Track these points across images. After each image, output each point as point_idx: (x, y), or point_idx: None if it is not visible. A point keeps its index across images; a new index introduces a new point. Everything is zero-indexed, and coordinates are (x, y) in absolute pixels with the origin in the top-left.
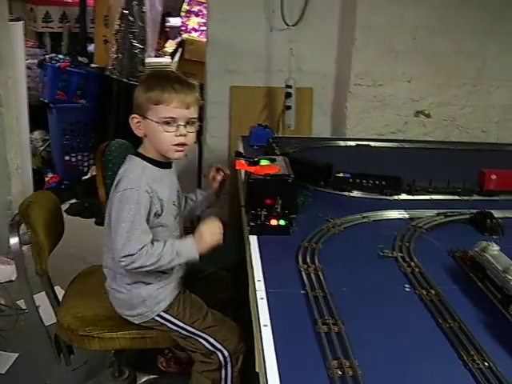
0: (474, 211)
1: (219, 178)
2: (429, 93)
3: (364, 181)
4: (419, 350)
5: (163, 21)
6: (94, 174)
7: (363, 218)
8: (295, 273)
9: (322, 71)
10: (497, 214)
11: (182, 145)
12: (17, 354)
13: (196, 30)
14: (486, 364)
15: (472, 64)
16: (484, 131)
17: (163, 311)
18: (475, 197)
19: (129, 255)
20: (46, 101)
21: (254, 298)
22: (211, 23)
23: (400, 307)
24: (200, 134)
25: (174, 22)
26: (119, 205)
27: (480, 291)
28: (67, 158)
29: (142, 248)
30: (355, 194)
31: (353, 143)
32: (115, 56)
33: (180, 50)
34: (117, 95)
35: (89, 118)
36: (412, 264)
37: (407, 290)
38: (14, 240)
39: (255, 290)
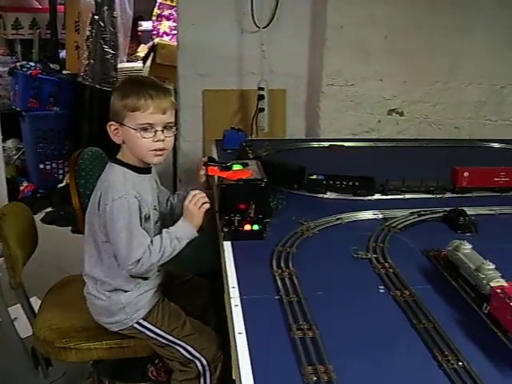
0: (448, 209)
1: (202, 172)
2: (401, 91)
3: (337, 182)
4: (394, 353)
5: (135, 25)
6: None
7: (337, 219)
8: (270, 278)
9: (295, 72)
10: (470, 211)
11: (161, 150)
12: None
13: (168, 34)
14: (461, 364)
15: (443, 62)
16: (457, 127)
17: (142, 319)
18: (448, 194)
19: (135, 261)
20: (18, 109)
21: (229, 305)
22: (182, 27)
23: (375, 309)
24: (175, 138)
25: (146, 25)
26: (112, 216)
27: (454, 290)
28: (42, 166)
29: (145, 250)
30: (329, 195)
31: (326, 144)
32: (87, 62)
33: (152, 54)
34: (90, 102)
35: (62, 125)
36: (386, 265)
37: (382, 291)
38: None
39: (229, 297)
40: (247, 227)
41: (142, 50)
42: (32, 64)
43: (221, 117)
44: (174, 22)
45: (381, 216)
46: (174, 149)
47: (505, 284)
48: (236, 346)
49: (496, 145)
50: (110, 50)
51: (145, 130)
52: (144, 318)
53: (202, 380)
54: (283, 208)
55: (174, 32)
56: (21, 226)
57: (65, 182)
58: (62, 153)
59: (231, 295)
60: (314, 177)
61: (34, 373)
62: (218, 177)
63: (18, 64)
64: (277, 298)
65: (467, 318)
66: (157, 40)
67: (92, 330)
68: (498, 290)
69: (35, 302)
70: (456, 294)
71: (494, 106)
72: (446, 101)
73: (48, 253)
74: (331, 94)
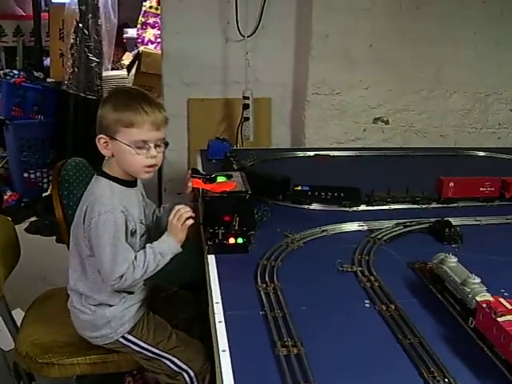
0: (433, 220)
1: (189, 184)
2: (386, 99)
3: (323, 193)
4: (380, 369)
5: (120, 32)
6: None
7: (322, 231)
8: (254, 293)
9: (280, 81)
10: (455, 221)
11: (153, 166)
12: None
13: (152, 42)
14: (447, 380)
15: (428, 70)
16: (442, 135)
17: (127, 333)
18: (434, 205)
19: (119, 277)
20: (1, 117)
21: (213, 321)
22: (166, 36)
23: (360, 325)
24: None
25: (131, 33)
26: (97, 230)
27: (440, 304)
28: (26, 174)
29: (129, 266)
30: (314, 206)
31: (311, 153)
32: (71, 70)
33: (137, 62)
34: (74, 110)
35: (46, 133)
36: (371, 278)
37: (367, 305)
38: None
39: (213, 313)
40: (231, 240)
41: (127, 58)
42: (16, 72)
43: (206, 126)
44: (158, 30)
45: (366, 227)
46: None
47: (490, 298)
48: (220, 364)
49: (481, 153)
50: (94, 58)
51: (139, 146)
52: (129, 332)
53: None
54: (268, 220)
55: (159, 40)
56: (1, 240)
57: (49, 191)
58: (47, 161)
59: (215, 311)
60: (299, 188)
61: None
62: (202, 189)
63: (1, 72)
64: (261, 313)
65: (453, 333)
66: (142, 48)
67: (75, 345)
68: (484, 305)
69: (18, 314)
70: (442, 307)
71: (478, 114)
72: (431, 109)
73: (32, 263)
74: (316, 102)
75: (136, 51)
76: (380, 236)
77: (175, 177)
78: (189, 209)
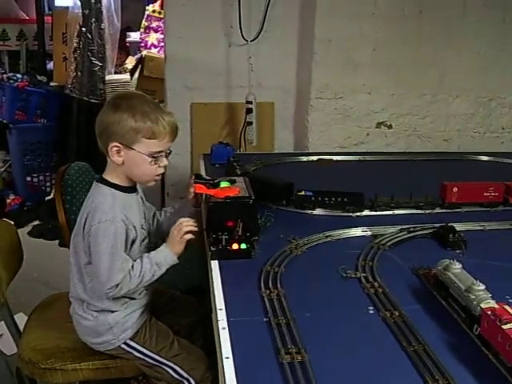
0: (437, 225)
1: (191, 190)
2: (389, 104)
3: (326, 198)
4: (383, 376)
5: (124, 36)
6: None
7: (326, 237)
8: (258, 299)
9: (283, 85)
10: (459, 226)
11: (160, 174)
12: None
13: (155, 46)
14: None
15: (431, 74)
16: (446, 140)
17: (129, 339)
18: (438, 210)
19: (114, 285)
20: (4, 121)
21: (217, 328)
22: (169, 40)
23: (364, 331)
24: None
25: (134, 36)
26: (96, 238)
27: (444, 310)
28: (29, 178)
29: (125, 275)
30: (318, 212)
31: (315, 158)
32: (74, 74)
33: (140, 66)
34: (77, 114)
35: (50, 137)
36: (375, 284)
37: (371, 312)
38: None
39: (217, 320)
40: (235, 246)
41: (130, 62)
42: (19, 76)
43: (209, 130)
44: (161, 34)
45: (370, 233)
46: None
47: (495, 305)
48: (223, 371)
49: (484, 158)
50: (97, 62)
51: (155, 157)
52: (131, 339)
53: None
54: (271, 225)
55: (162, 44)
56: (4, 245)
57: (52, 194)
58: (50, 165)
59: (218, 317)
60: (303, 193)
61: None
62: (206, 194)
63: (4, 76)
64: (265, 320)
65: (458, 340)
66: (145, 52)
67: (77, 351)
68: (489, 312)
69: (21, 318)
70: (446, 314)
71: (482, 119)
72: (434, 113)
73: (35, 267)
74: (319, 107)
75: (139, 55)
76: (384, 241)
77: (178, 181)
78: (192, 222)
